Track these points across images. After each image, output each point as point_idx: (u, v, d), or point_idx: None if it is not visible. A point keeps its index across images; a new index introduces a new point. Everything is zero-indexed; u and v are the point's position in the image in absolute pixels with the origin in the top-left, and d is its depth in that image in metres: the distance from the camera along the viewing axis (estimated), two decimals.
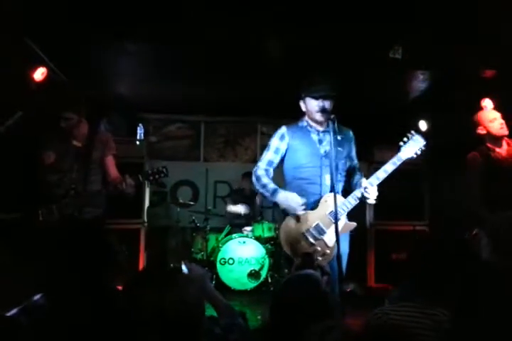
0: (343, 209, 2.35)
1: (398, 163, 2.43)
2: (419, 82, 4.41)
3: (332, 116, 2.33)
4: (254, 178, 2.52)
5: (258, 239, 4.75)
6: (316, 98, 2.46)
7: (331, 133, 2.30)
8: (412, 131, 2.57)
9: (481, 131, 3.02)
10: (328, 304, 1.41)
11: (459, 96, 4.28)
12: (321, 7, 3.11)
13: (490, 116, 3.00)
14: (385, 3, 3.10)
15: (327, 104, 2.43)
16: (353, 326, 1.62)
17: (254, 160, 6.21)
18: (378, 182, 2.41)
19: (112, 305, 1.26)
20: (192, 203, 5.28)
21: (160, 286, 1.16)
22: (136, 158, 4.40)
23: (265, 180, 2.46)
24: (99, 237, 1.50)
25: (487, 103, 4.18)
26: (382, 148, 4.69)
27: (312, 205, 2.41)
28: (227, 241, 4.73)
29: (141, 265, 4.26)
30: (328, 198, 2.38)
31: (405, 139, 2.50)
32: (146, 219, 4.45)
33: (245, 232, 4.97)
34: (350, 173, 2.58)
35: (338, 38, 3.47)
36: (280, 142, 2.53)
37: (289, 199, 2.35)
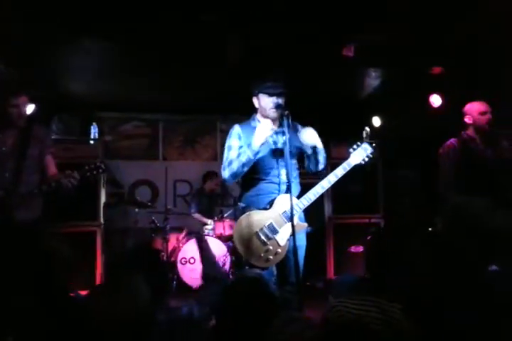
0: (296, 210, 2.36)
1: (348, 168, 2.51)
2: (372, 79, 4.55)
3: (286, 112, 2.33)
4: (229, 174, 2.43)
5: (219, 237, 4.74)
6: (271, 95, 2.46)
7: (286, 129, 2.30)
8: (364, 131, 2.67)
9: (468, 120, 3.04)
10: (276, 304, 1.43)
11: (409, 92, 4.45)
12: (275, 7, 3.13)
13: (481, 109, 3.01)
14: (338, 3, 3.17)
15: (281, 100, 2.45)
16: (313, 318, 1.64)
17: (215, 159, 6.18)
18: (330, 185, 2.47)
19: (52, 312, 1.22)
20: (151, 203, 5.18)
21: (110, 292, 1.13)
22: (90, 158, 4.26)
23: (236, 162, 2.41)
24: (34, 242, 1.44)
25: (435, 99, 4.39)
26: (338, 144, 4.80)
27: (268, 205, 2.43)
28: (187, 240, 4.69)
29: (98, 268, 4.14)
30: (282, 199, 2.41)
31: (355, 146, 2.59)
32: (102, 220, 4.32)
33: (206, 231, 4.95)
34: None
35: (292, 37, 3.52)
36: (239, 141, 2.51)
37: (261, 135, 2.37)
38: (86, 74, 4.34)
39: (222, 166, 2.48)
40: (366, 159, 2.58)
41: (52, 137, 4.59)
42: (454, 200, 2.85)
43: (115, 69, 4.21)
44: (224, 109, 5.72)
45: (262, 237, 2.35)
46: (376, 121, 5.28)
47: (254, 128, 2.52)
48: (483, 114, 3.01)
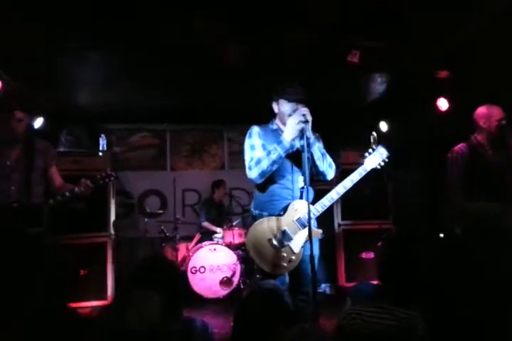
0: (311, 217, 2.31)
1: (364, 173, 2.46)
2: (378, 85, 4.55)
3: (305, 119, 2.28)
4: (258, 173, 2.34)
5: (229, 245, 4.73)
6: (290, 100, 2.44)
7: (305, 135, 2.25)
8: (372, 136, 2.65)
9: (483, 124, 2.97)
10: (291, 316, 1.42)
11: (415, 96, 4.44)
12: (280, 13, 3.16)
13: (500, 115, 2.95)
14: (342, 10, 3.19)
15: (300, 107, 2.40)
16: (326, 327, 1.63)
17: (222, 167, 6.20)
18: (345, 190, 2.43)
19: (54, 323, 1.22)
20: (160, 212, 5.20)
21: (119, 304, 1.13)
22: (100, 170, 4.26)
23: (265, 161, 2.33)
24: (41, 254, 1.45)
25: (442, 102, 4.37)
26: (347, 149, 4.80)
27: (282, 211, 2.39)
28: (197, 249, 4.68)
29: (109, 279, 4.14)
30: (297, 205, 2.38)
31: (370, 150, 2.54)
32: (112, 231, 4.33)
33: (216, 239, 4.94)
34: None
35: (298, 44, 3.54)
36: (261, 140, 2.47)
37: (292, 127, 2.31)
38: (93, 86, 4.40)
39: (248, 165, 2.40)
40: (382, 163, 2.52)
41: (62, 150, 4.66)
42: (472, 205, 2.82)
43: (121, 80, 4.25)
44: (231, 118, 5.75)
45: (276, 244, 2.31)
46: (383, 126, 5.27)
47: (273, 130, 2.51)
48: (500, 120, 2.96)
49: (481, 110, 3.04)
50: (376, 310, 1.41)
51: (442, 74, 4.13)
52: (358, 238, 4.74)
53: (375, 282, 2.89)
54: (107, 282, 4.12)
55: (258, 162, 2.36)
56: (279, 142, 2.35)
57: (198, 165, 6.13)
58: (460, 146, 3.05)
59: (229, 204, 5.70)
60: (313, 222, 2.43)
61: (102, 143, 4.77)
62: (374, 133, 5.30)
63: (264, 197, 2.46)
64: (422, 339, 1.31)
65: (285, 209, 2.39)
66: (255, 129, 2.52)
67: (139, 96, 4.73)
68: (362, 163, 2.49)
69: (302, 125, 2.28)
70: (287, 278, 2.40)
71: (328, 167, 2.50)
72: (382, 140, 5.19)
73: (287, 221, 2.35)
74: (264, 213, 2.41)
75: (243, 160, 2.50)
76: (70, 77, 4.05)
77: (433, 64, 4.00)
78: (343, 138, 5.03)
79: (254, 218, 2.45)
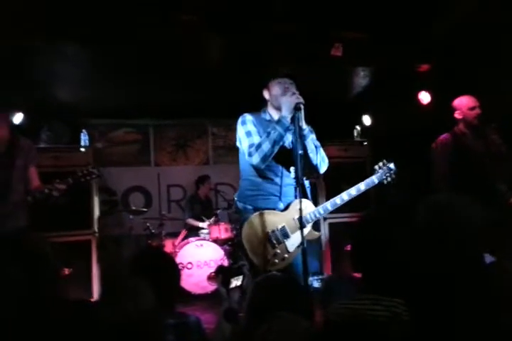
0: (311, 218, 2.30)
1: (371, 184, 2.38)
2: (360, 78, 4.57)
3: (300, 105, 2.19)
4: (260, 158, 2.24)
5: (216, 240, 4.72)
6: (280, 76, 2.40)
7: (297, 123, 2.16)
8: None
9: (458, 115, 3.07)
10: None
11: (398, 90, 4.48)
12: (260, 7, 3.14)
13: (470, 104, 3.03)
14: (327, 3, 3.19)
15: (291, 87, 2.36)
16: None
17: (207, 162, 6.17)
18: (350, 198, 2.36)
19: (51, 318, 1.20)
20: (145, 209, 5.14)
21: (113, 298, 1.12)
22: (82, 166, 4.18)
23: (265, 143, 2.23)
24: (23, 251, 1.42)
25: (424, 96, 4.42)
26: (328, 144, 4.81)
27: (271, 206, 2.34)
28: (184, 245, 4.66)
29: (94, 277, 4.09)
30: (298, 203, 2.32)
31: (381, 164, 2.43)
32: (96, 229, 4.27)
33: (202, 235, 4.93)
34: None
35: (279, 38, 3.53)
36: (255, 128, 2.38)
37: (289, 101, 2.21)
38: (74, 81, 4.31)
39: (248, 152, 2.31)
40: (389, 179, 2.42)
41: (42, 146, 4.55)
42: (436, 196, 2.87)
43: (102, 75, 4.18)
44: (215, 113, 5.71)
45: (273, 240, 2.27)
46: (367, 120, 5.30)
47: (266, 120, 2.42)
48: (472, 109, 3.03)
49: (454, 102, 3.13)
50: (362, 302, 1.41)
51: (424, 68, 4.17)
52: (343, 230, 4.78)
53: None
54: (92, 280, 4.07)
55: (258, 146, 2.26)
56: (278, 121, 2.25)
57: (182, 161, 6.08)
58: (444, 136, 3.12)
59: (215, 200, 5.69)
60: (310, 225, 2.36)
61: (84, 138, 4.68)
62: (357, 127, 5.35)
63: (251, 191, 2.39)
64: (406, 323, 1.32)
65: (287, 206, 2.33)
66: (248, 117, 2.43)
67: (121, 91, 4.66)
68: (372, 175, 2.43)
69: (297, 100, 2.19)
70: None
71: (321, 160, 2.44)
72: (365, 134, 5.25)
73: (287, 218, 2.31)
74: (249, 207, 2.36)
75: (234, 150, 2.43)
76: (50, 72, 3.96)
77: (415, 57, 4.04)
78: (325, 133, 5.02)
79: (239, 210, 2.41)
